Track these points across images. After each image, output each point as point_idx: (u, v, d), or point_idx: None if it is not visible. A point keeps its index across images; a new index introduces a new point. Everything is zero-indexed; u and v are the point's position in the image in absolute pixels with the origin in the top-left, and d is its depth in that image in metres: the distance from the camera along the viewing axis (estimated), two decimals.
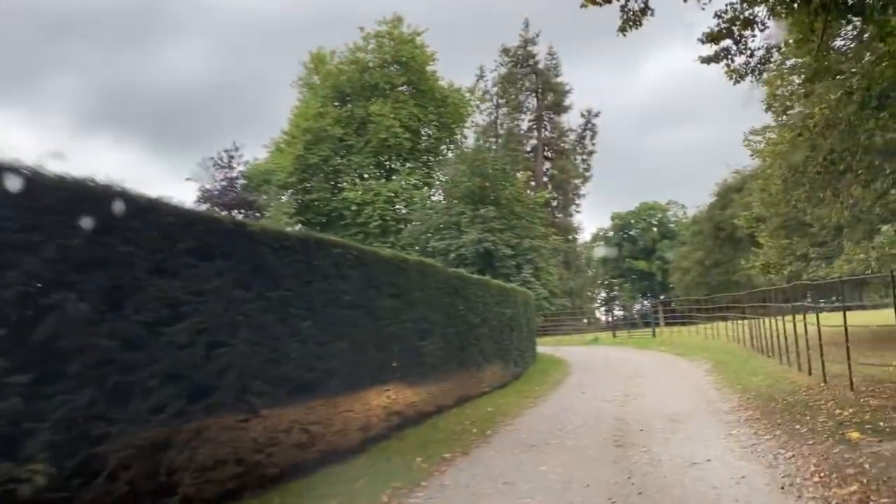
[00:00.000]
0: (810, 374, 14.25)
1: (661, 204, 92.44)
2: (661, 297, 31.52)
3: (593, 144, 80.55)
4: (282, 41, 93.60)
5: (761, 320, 22.07)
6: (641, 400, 14.11)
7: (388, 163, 55.72)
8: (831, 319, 13.65)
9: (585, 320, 76.85)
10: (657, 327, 36.22)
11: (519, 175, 55.41)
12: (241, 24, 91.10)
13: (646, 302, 32.98)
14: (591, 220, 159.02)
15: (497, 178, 47.91)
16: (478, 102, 64.93)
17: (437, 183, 50.43)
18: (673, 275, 51.87)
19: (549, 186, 78.16)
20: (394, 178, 54.86)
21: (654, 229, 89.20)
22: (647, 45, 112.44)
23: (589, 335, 39.34)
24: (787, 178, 19.20)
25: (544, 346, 36.18)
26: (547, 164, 79.24)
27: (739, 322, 25.56)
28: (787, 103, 18.82)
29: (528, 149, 78.85)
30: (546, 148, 79.54)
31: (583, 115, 79.97)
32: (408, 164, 56.24)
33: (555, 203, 77.97)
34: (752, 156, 22.90)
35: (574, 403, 14.36)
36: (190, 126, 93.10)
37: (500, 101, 78.22)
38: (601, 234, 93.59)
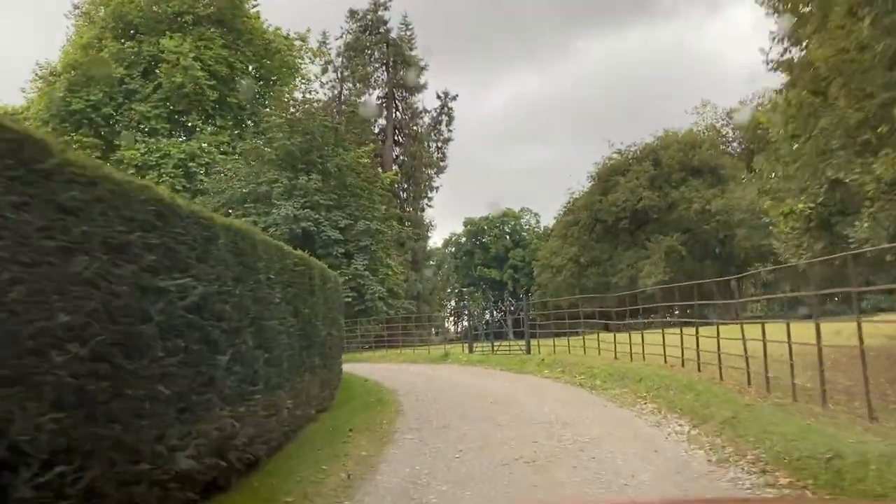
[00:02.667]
0: None
1: (514, 211, 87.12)
2: (518, 302, 22.42)
3: (450, 131, 70.91)
4: None
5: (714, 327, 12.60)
6: None
7: (185, 118, 42.41)
8: None
9: (434, 330, 67.54)
10: (519, 339, 26.04)
11: (361, 150, 44.07)
12: None
13: (514, 302, 22.10)
14: (442, 226, 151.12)
15: (326, 138, 36.35)
16: (313, 57, 52.67)
17: (250, 146, 38.00)
18: (541, 274, 42.78)
19: (399, 174, 67.85)
20: (194, 137, 41.69)
21: (507, 237, 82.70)
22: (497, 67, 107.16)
23: (437, 350, 28.67)
24: None
25: (375, 365, 25.37)
26: (397, 150, 68.78)
27: (657, 332, 16.23)
28: None
29: (377, 130, 67.95)
30: (397, 131, 69.09)
31: (439, 98, 70.02)
32: (216, 122, 43.26)
33: (404, 194, 67.64)
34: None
35: None
36: None
37: (344, 73, 66.77)
38: (453, 239, 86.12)
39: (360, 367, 26.59)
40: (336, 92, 66.19)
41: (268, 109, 37.93)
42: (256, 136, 38.94)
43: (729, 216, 35.56)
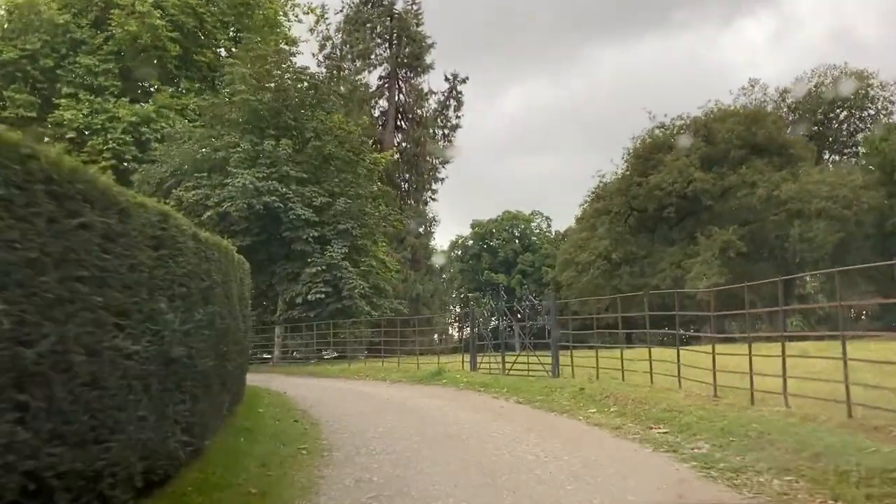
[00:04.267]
0: None
1: (524, 214, 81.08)
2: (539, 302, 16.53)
3: (458, 117, 64.22)
4: None
5: None
6: None
7: (139, 75, 35.55)
8: None
9: (437, 337, 60.63)
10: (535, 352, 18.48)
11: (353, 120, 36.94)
12: None
13: (532, 303, 14.78)
14: (447, 230, 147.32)
15: (303, 97, 29.46)
16: (302, 15, 45.89)
17: (206, 103, 31.10)
18: (563, 272, 35.61)
19: (400, 162, 60.92)
20: (151, 100, 34.85)
21: (517, 241, 78.30)
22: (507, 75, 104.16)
23: (428, 363, 21.60)
24: None
25: (337, 383, 18.65)
26: (399, 136, 61.87)
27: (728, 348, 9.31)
28: None
29: (377, 113, 61.13)
30: (399, 115, 62.27)
31: (447, 79, 63.30)
32: (180, 84, 36.44)
33: (405, 185, 60.76)
34: None
35: None
36: None
37: (343, 49, 60.06)
38: (459, 241, 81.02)
39: (316, 384, 19.65)
40: (333, 72, 59.37)
41: (232, 60, 30.94)
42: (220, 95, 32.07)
43: (804, 204, 28.29)
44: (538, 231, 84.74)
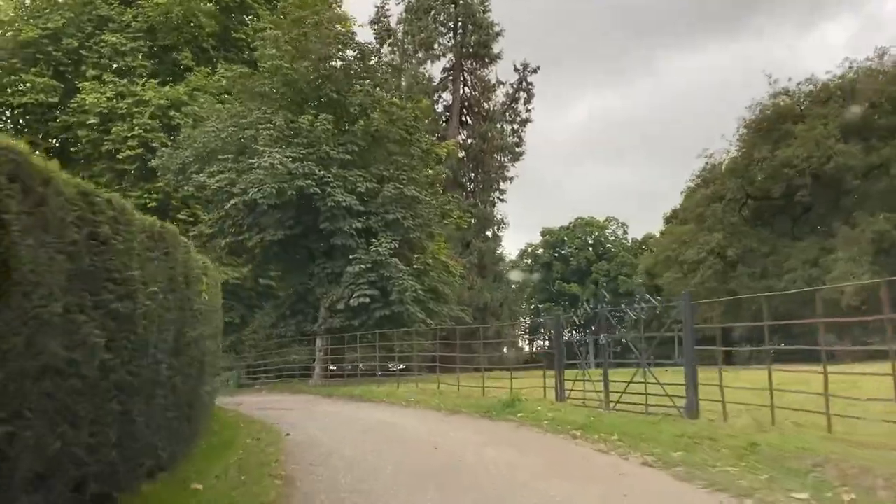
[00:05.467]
0: None
1: (598, 220, 77.11)
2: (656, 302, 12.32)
3: (528, 111, 58.91)
4: None
5: None
6: None
7: (175, 54, 31.82)
8: None
9: (506, 349, 55.75)
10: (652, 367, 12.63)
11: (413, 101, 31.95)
12: None
13: (660, 304, 9.19)
14: (514, 238, 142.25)
15: (349, 67, 24.86)
16: None
17: (235, 74, 26.87)
18: (665, 273, 29.70)
19: (465, 160, 55.96)
20: (183, 81, 31.00)
21: (590, 249, 75.13)
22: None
23: (497, 385, 16.33)
24: None
25: (378, 411, 13.80)
26: (463, 133, 56.93)
27: None
28: None
29: (440, 108, 56.45)
30: (465, 110, 57.41)
31: (516, 70, 58.21)
32: (217, 65, 32.51)
33: (470, 185, 55.77)
34: None
35: None
36: None
37: (405, 40, 55.74)
38: (529, 250, 78.43)
39: (348, 415, 14.73)
40: (395, 65, 54.90)
41: (264, 25, 26.64)
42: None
43: None
44: (613, 238, 79.52)
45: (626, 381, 12.16)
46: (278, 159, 21.07)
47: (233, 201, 21.89)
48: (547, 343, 59.89)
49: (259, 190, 21.42)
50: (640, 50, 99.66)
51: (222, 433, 10.11)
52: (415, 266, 23.09)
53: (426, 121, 29.02)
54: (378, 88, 25.27)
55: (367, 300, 21.88)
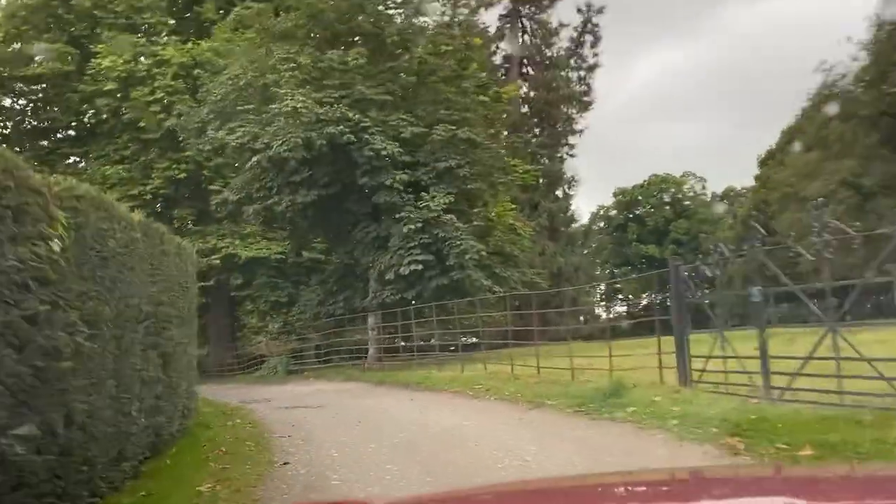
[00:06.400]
0: None
1: (675, 177, 71.22)
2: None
3: (595, 56, 53.64)
4: None
5: None
6: None
7: (197, 6, 28.55)
8: None
9: (582, 318, 51.55)
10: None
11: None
12: None
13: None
14: (584, 198, 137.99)
15: None
16: None
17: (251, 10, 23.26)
18: (783, 212, 24.77)
19: (528, 115, 51.30)
20: (207, 38, 27.67)
21: (668, 207, 69.48)
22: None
23: (593, 373, 12.15)
24: None
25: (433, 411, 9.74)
26: (526, 87, 52.15)
27: None
28: None
29: (498, 60, 51.81)
30: (526, 60, 52.60)
31: (579, 11, 52.97)
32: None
33: (533, 138, 50.99)
34: None
35: None
36: None
37: None
38: (601, 212, 72.69)
39: (394, 412, 11.01)
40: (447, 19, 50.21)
41: None
42: None
43: None
44: (691, 195, 74.46)
45: (797, 357, 7.90)
46: (301, 102, 17.36)
47: (255, 159, 18.39)
48: (622, 310, 55.48)
49: (284, 142, 17.81)
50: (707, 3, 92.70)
51: (178, 466, 6.48)
52: (475, 223, 19.12)
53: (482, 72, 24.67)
54: (421, 16, 21.22)
55: (420, 267, 18.08)
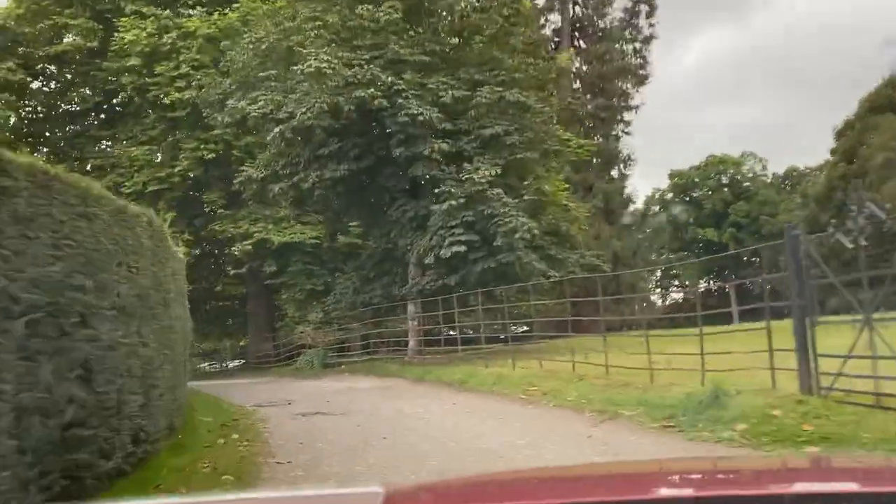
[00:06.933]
0: None
1: (733, 157, 68.30)
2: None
3: (651, 26, 50.18)
4: None
5: None
6: None
7: None
8: None
9: (638, 306, 48.68)
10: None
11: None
12: None
13: None
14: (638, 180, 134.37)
15: None
16: None
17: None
18: (883, 184, 21.75)
19: (581, 90, 48.35)
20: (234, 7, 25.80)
21: (726, 189, 66.42)
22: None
23: (674, 377, 9.66)
24: None
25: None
26: (578, 61, 49.09)
27: None
28: None
29: (548, 32, 48.85)
30: (576, 33, 49.55)
31: None
32: None
33: (584, 117, 47.94)
34: None
35: None
36: None
37: None
38: (656, 196, 69.88)
39: (426, 427, 8.77)
40: None
41: None
42: None
43: None
44: (751, 176, 71.05)
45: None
46: (326, 62, 15.24)
47: (277, 129, 16.38)
48: (677, 297, 52.69)
49: (307, 109, 15.74)
50: None
51: None
52: (525, 197, 16.76)
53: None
54: None
55: (464, 248, 15.81)
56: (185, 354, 9.55)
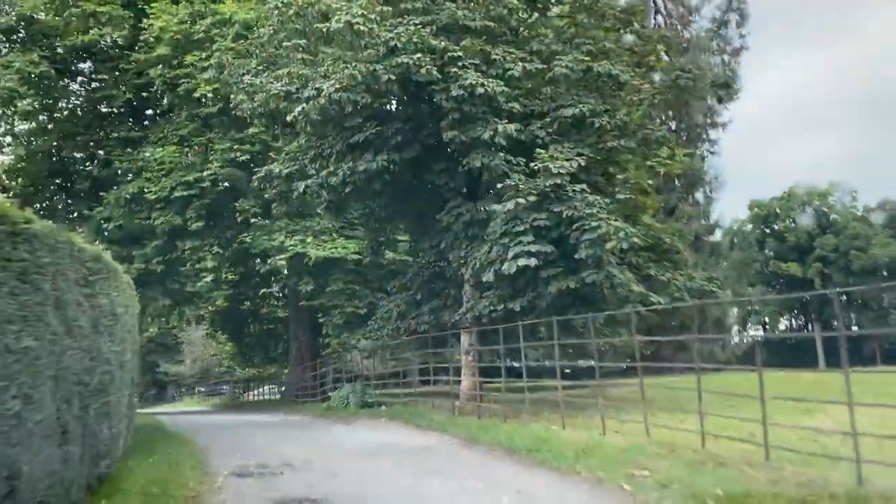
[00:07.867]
0: None
1: (819, 189, 64.41)
2: None
3: (742, 37, 45.75)
4: None
5: None
6: None
7: None
8: None
9: (722, 344, 44.24)
10: None
11: None
12: None
13: None
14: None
15: None
16: None
17: None
18: None
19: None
20: None
21: (811, 222, 63.40)
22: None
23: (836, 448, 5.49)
24: None
25: None
26: (660, 73, 44.90)
27: None
28: None
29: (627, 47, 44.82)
30: (660, 45, 45.40)
31: None
32: None
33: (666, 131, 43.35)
34: None
35: None
36: None
37: None
38: (734, 227, 66.85)
39: None
40: None
41: None
42: None
43: None
44: (839, 208, 65.19)
45: None
46: (359, 18, 11.72)
47: (300, 108, 12.91)
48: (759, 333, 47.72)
49: (335, 83, 12.21)
50: (839, 9, 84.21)
51: None
52: (618, 196, 12.72)
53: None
54: None
55: (534, 262, 11.82)
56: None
